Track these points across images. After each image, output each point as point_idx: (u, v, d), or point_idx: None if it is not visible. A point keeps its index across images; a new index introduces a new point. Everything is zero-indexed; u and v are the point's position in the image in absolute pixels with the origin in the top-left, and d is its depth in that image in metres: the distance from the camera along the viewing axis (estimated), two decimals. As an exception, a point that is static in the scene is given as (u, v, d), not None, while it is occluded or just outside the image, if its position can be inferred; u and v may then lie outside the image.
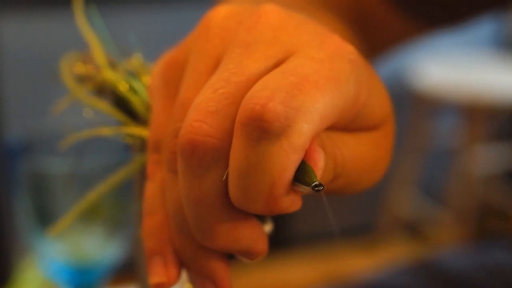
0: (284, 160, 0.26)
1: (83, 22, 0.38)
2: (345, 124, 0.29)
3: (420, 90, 1.96)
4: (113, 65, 0.39)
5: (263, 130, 0.26)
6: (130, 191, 0.54)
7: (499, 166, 2.11)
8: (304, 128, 0.26)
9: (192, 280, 0.32)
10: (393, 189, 2.07)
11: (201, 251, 0.30)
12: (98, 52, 0.38)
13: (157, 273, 0.31)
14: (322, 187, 0.27)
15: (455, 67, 2.01)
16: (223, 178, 0.28)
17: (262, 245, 0.30)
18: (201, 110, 0.27)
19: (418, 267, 0.62)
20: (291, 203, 0.28)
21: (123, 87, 0.36)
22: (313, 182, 0.27)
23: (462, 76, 1.93)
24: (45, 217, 0.55)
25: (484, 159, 2.02)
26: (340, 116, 0.28)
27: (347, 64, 0.28)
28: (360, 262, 2.07)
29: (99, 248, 0.57)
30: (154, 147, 0.33)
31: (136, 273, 0.44)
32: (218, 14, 0.31)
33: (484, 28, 2.22)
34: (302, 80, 0.27)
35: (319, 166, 0.27)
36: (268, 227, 0.33)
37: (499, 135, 2.18)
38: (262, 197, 0.27)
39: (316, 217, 2.17)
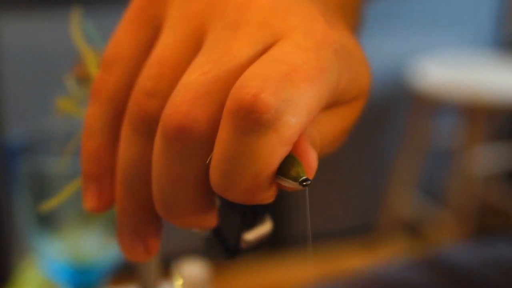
0: (271, 152, 0.26)
1: (76, 31, 0.37)
2: (325, 108, 0.30)
3: (420, 90, 1.96)
4: None
5: (252, 121, 0.26)
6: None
7: (499, 166, 2.11)
8: (293, 122, 0.26)
9: (120, 234, 0.32)
10: (393, 189, 2.07)
11: (140, 211, 0.31)
12: (90, 61, 0.38)
13: (90, 199, 0.32)
14: (309, 182, 0.26)
15: (455, 67, 2.01)
16: (206, 162, 0.28)
17: (210, 225, 0.31)
18: (190, 92, 0.27)
19: (422, 262, 0.62)
20: (269, 195, 0.28)
21: None
22: (301, 178, 0.26)
23: (462, 76, 1.93)
24: (45, 217, 0.55)
25: (484, 159, 2.02)
26: (326, 103, 0.28)
27: (332, 54, 0.28)
28: (360, 262, 2.07)
29: (99, 248, 0.57)
30: (106, 66, 0.32)
31: (136, 273, 0.44)
32: None
33: (484, 28, 2.22)
34: (292, 71, 0.27)
35: (312, 167, 0.27)
36: (267, 227, 0.33)
37: (499, 135, 2.18)
38: (243, 185, 0.27)
39: (316, 217, 2.17)
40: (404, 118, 2.08)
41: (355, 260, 2.09)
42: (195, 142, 0.27)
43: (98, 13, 1.78)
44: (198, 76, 0.28)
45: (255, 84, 0.26)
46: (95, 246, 0.56)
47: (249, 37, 0.28)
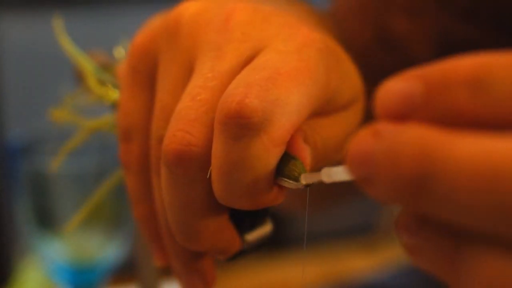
0: (265, 154, 0.26)
1: (62, 36, 0.38)
2: (319, 109, 0.30)
3: (420, 90, 1.96)
4: (108, 67, 0.39)
5: (242, 126, 0.26)
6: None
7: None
8: (282, 121, 0.26)
9: (179, 276, 0.33)
10: (393, 189, 2.07)
11: (186, 249, 0.31)
12: (84, 64, 0.38)
13: (157, 257, 0.34)
14: (311, 183, 0.27)
15: (455, 67, 2.01)
16: (207, 177, 0.28)
17: (236, 246, 0.31)
18: (182, 119, 0.28)
19: (418, 267, 0.62)
20: (275, 197, 0.28)
21: (111, 96, 0.36)
22: (298, 176, 0.27)
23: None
24: (45, 217, 0.55)
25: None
26: (318, 102, 0.29)
27: (315, 52, 0.29)
28: (360, 262, 2.07)
29: (99, 248, 0.57)
30: (125, 136, 0.33)
31: (136, 273, 0.44)
32: (188, 10, 0.32)
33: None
34: (274, 74, 0.27)
35: (307, 163, 0.28)
36: (268, 228, 0.33)
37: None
38: (246, 192, 0.27)
39: (316, 217, 2.17)
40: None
41: (355, 261, 2.09)
42: (195, 165, 0.28)
43: (98, 13, 1.78)
44: (187, 102, 0.28)
45: (238, 91, 0.26)
46: (95, 246, 0.56)
47: (231, 54, 0.29)
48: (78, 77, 0.41)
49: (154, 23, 0.33)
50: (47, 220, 0.55)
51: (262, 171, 0.27)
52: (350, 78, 0.31)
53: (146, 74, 0.33)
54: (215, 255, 0.31)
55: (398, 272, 0.62)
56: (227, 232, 0.30)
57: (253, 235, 0.33)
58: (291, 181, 0.27)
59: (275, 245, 2.16)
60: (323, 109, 0.30)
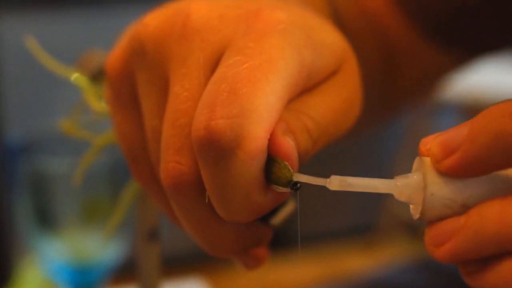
0: (246, 169, 0.26)
1: (43, 56, 0.38)
2: (300, 90, 0.29)
3: (420, 90, 1.96)
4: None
5: (215, 150, 0.26)
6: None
7: (499, 166, 2.11)
8: (254, 130, 0.26)
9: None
10: (393, 189, 2.07)
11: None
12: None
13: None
14: (299, 186, 0.26)
15: (455, 67, 2.01)
16: (206, 201, 0.28)
17: (266, 238, 0.31)
18: (169, 149, 0.28)
19: (422, 264, 0.62)
20: (276, 199, 0.28)
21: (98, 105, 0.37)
22: (289, 182, 0.26)
23: (462, 76, 1.93)
24: (45, 217, 0.55)
25: (484, 159, 2.02)
26: (294, 87, 0.28)
27: (278, 36, 0.28)
28: (360, 262, 2.07)
29: (99, 248, 0.57)
30: (131, 159, 0.33)
31: (136, 273, 0.44)
32: (147, 26, 0.31)
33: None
34: (233, 83, 0.27)
35: (291, 158, 0.27)
36: (290, 206, 0.33)
37: (499, 135, 2.18)
38: (243, 208, 0.27)
39: (316, 217, 2.17)
40: (404, 118, 2.08)
41: (355, 261, 2.09)
42: (193, 191, 0.28)
43: (97, 13, 1.78)
44: (169, 130, 0.28)
45: (203, 115, 0.26)
46: (95, 246, 0.56)
47: (196, 67, 0.29)
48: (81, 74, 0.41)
49: (122, 43, 0.33)
50: (47, 220, 0.55)
51: (249, 185, 0.27)
52: (329, 45, 0.30)
53: (129, 95, 0.32)
54: (251, 249, 0.32)
55: (402, 269, 0.62)
56: (252, 232, 0.30)
57: (278, 218, 0.32)
58: (281, 188, 0.27)
59: (275, 245, 2.16)
60: (305, 87, 0.29)
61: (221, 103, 0.26)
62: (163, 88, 0.30)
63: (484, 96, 1.86)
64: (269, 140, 0.27)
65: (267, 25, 0.28)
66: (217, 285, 1.78)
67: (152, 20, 0.31)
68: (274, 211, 0.32)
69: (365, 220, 2.19)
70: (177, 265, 1.77)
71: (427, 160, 0.25)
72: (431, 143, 0.25)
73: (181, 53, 0.29)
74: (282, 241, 2.09)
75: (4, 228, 1.62)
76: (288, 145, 0.27)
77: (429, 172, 0.25)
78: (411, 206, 0.27)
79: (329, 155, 2.26)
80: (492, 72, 2.00)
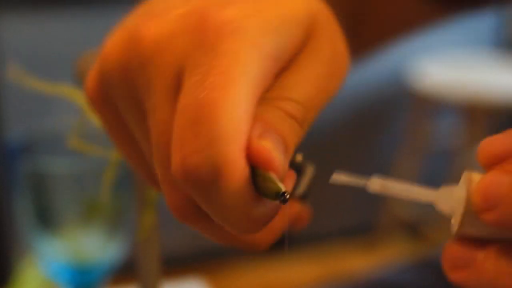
0: (233, 193, 0.26)
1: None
2: (272, 79, 0.28)
3: (420, 90, 1.96)
4: None
5: (198, 185, 0.26)
6: (130, 191, 0.54)
7: (499, 166, 2.11)
8: (228, 156, 0.25)
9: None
10: (393, 189, 2.07)
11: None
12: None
13: None
14: (288, 196, 0.25)
15: (455, 67, 2.01)
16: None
17: (300, 213, 0.31)
18: (165, 191, 0.28)
19: (422, 263, 0.62)
20: (275, 209, 0.27)
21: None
22: (276, 195, 0.25)
23: (462, 76, 1.93)
24: (45, 217, 0.55)
25: (484, 159, 2.02)
26: (262, 83, 0.27)
27: (230, 40, 0.26)
28: (360, 262, 2.07)
29: (99, 248, 0.57)
30: (147, 177, 0.33)
31: (136, 273, 0.44)
32: (109, 61, 0.30)
33: (484, 27, 2.22)
34: (195, 111, 0.25)
35: (273, 165, 0.26)
36: (310, 171, 0.32)
37: (499, 135, 2.18)
38: (249, 224, 0.27)
39: (316, 217, 2.17)
40: (404, 118, 2.08)
41: (355, 260, 2.09)
42: (204, 224, 0.29)
43: (97, 13, 1.78)
44: (157, 166, 0.28)
45: (177, 155, 0.26)
46: (95, 246, 0.56)
47: (161, 100, 0.28)
48: (79, 77, 0.41)
49: (93, 72, 0.31)
50: (47, 220, 0.55)
51: (243, 204, 0.26)
52: (292, 17, 0.28)
53: (116, 120, 0.31)
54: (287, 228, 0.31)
55: (402, 269, 0.62)
56: (280, 213, 0.29)
57: (302, 187, 0.32)
58: (271, 201, 0.26)
59: (275, 245, 2.16)
60: (278, 70, 0.28)
61: (189, 137, 0.25)
62: (139, 112, 0.29)
63: (484, 96, 1.86)
64: (246, 150, 0.26)
65: (216, 31, 0.27)
66: (217, 285, 1.78)
67: (111, 51, 0.30)
68: (297, 182, 0.31)
69: (365, 220, 2.19)
70: (177, 265, 1.77)
71: (475, 177, 0.26)
72: (481, 156, 0.27)
73: (144, 84, 0.28)
74: (282, 241, 2.09)
75: (4, 228, 1.62)
76: (265, 151, 0.26)
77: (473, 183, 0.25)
78: (452, 218, 0.27)
79: (329, 155, 2.26)
80: (492, 72, 2.00)
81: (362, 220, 2.20)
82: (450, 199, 0.26)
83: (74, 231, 0.55)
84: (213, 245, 1.81)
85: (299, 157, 0.32)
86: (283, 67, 0.28)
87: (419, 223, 2.12)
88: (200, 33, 0.27)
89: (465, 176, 0.26)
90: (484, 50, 2.22)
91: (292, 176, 0.28)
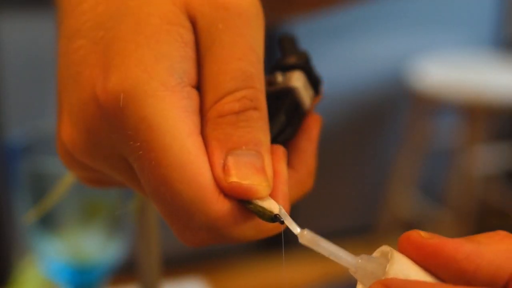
0: (227, 230, 0.27)
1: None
2: (195, 86, 0.27)
3: (420, 90, 1.96)
4: None
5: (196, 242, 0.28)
6: (130, 191, 0.54)
7: (499, 166, 2.11)
8: (201, 206, 0.26)
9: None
10: (393, 189, 2.07)
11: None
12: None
13: None
14: (280, 219, 0.26)
15: (455, 67, 2.01)
16: None
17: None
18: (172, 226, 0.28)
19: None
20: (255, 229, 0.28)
21: None
22: (271, 219, 0.26)
23: (462, 76, 1.93)
24: (45, 217, 0.55)
25: (484, 159, 2.02)
26: (190, 109, 0.26)
27: (136, 108, 0.26)
28: (360, 262, 2.07)
29: (99, 248, 0.57)
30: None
31: (136, 273, 0.44)
32: (60, 156, 0.31)
33: (484, 27, 2.22)
34: (158, 194, 0.26)
35: (248, 192, 0.26)
36: (281, 119, 0.32)
37: (499, 135, 2.18)
38: (251, 234, 0.28)
39: (316, 217, 2.17)
40: (404, 118, 2.08)
41: (355, 260, 2.09)
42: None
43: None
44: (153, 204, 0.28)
45: (173, 227, 0.28)
46: (95, 246, 0.56)
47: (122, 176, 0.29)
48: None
49: (59, 145, 0.31)
50: (47, 220, 0.55)
51: (235, 233, 0.27)
52: (171, 33, 0.27)
53: (94, 171, 0.32)
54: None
55: None
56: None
57: (306, 101, 0.32)
58: (267, 223, 0.27)
59: (275, 245, 2.16)
60: (195, 83, 0.27)
61: (174, 219, 0.27)
62: (125, 166, 0.29)
63: (484, 96, 1.86)
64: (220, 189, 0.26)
65: (121, 112, 0.26)
66: (217, 285, 1.78)
67: (59, 151, 0.31)
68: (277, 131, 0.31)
69: (365, 220, 2.19)
70: (177, 265, 1.77)
71: (396, 256, 0.27)
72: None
73: (93, 179, 0.31)
74: (281, 241, 2.09)
75: (4, 228, 1.62)
76: (236, 188, 0.26)
77: (391, 266, 0.27)
78: (359, 285, 0.28)
79: (329, 155, 2.26)
80: (492, 72, 2.00)
81: (362, 220, 2.20)
82: (364, 271, 0.27)
83: (74, 231, 0.55)
84: (213, 245, 1.81)
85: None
86: (198, 64, 0.27)
87: (419, 223, 2.12)
88: (109, 116, 0.27)
89: (384, 252, 0.27)
90: (484, 50, 2.22)
91: (317, 119, 0.30)
